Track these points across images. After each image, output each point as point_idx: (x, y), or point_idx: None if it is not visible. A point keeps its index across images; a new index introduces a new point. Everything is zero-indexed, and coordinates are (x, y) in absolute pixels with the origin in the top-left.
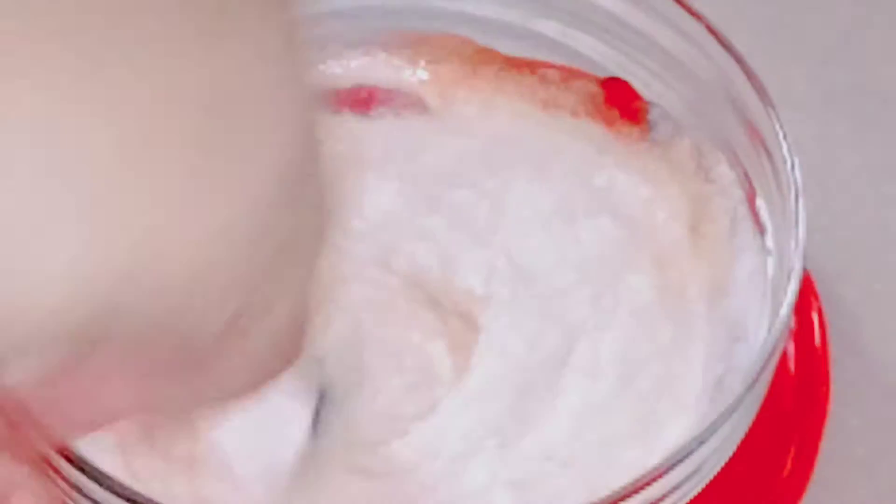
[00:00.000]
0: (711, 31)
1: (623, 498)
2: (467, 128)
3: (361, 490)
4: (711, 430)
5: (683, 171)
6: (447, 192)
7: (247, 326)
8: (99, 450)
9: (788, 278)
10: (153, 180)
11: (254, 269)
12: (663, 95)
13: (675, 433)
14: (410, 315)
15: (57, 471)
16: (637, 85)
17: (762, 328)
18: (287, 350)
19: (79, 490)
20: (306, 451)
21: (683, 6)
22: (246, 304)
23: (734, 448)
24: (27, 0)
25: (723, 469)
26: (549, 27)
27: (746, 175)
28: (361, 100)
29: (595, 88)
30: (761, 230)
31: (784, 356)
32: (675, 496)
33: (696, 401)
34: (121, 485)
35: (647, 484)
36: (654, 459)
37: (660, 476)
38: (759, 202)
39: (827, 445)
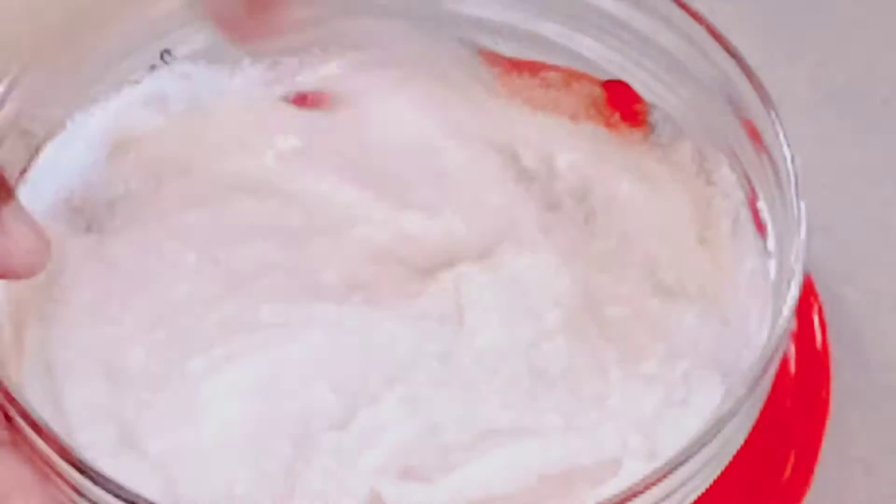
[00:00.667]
0: (712, 32)
1: (625, 500)
2: None
3: None
4: (713, 432)
5: (685, 174)
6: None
7: None
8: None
9: (789, 280)
10: None
11: None
12: (664, 97)
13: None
14: None
15: (57, 472)
16: (638, 87)
17: (763, 330)
18: None
19: (78, 491)
20: None
21: (684, 8)
22: None
23: (736, 450)
24: None
25: (725, 471)
26: (551, 29)
27: (747, 177)
28: None
29: (597, 91)
30: (762, 232)
31: (785, 358)
32: (677, 497)
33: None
34: (119, 486)
35: (650, 486)
36: (656, 462)
37: (663, 478)
38: (760, 204)
39: (828, 445)
